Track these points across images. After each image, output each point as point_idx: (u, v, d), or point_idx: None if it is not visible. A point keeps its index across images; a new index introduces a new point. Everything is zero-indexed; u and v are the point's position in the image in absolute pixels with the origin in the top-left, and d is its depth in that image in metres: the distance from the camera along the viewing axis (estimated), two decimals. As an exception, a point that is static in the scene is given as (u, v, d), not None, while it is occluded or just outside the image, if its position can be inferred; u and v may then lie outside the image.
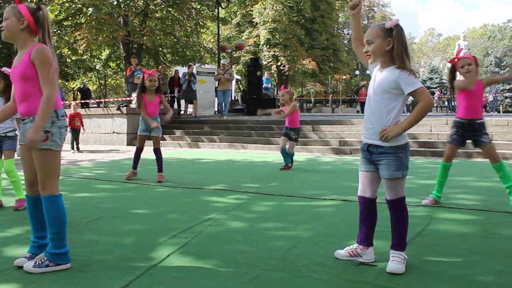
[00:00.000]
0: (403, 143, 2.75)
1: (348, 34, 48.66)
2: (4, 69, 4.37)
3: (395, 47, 2.65)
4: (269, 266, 2.81)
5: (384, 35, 2.68)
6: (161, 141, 12.92)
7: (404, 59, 2.65)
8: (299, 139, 11.30)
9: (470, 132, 4.52)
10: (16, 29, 2.74)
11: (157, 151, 6.58)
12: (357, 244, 2.93)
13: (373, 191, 2.93)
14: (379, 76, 2.76)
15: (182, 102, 17.17)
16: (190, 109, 17.37)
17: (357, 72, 43.99)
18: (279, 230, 3.71)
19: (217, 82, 15.80)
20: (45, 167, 2.78)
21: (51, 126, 2.77)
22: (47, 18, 2.84)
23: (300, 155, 10.12)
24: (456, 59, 4.58)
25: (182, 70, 17.96)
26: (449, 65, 4.84)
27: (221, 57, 18.79)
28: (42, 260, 2.72)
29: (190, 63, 17.87)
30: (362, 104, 24.01)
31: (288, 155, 7.72)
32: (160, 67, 19.77)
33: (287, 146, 7.70)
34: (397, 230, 2.82)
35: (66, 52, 22.32)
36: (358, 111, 29.23)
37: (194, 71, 17.26)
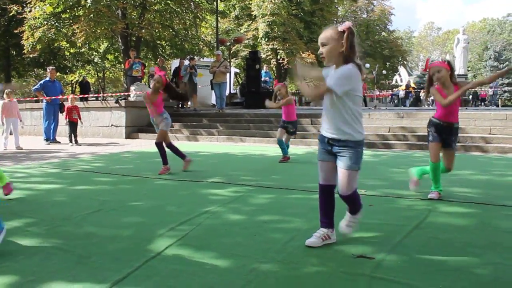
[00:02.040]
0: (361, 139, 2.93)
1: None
2: None
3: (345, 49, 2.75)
4: (267, 258, 2.81)
5: (338, 38, 2.78)
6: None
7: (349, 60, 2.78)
8: (298, 132, 11.31)
9: (445, 134, 4.52)
10: None
11: (157, 144, 6.50)
12: (327, 229, 3.08)
13: (335, 178, 3.04)
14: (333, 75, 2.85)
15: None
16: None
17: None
18: (277, 222, 3.72)
19: (212, 75, 15.64)
20: None
21: None
22: None
23: (299, 148, 10.13)
24: (427, 69, 4.56)
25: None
26: (448, 57, 4.82)
27: (220, 50, 18.71)
28: None
29: (192, 56, 17.77)
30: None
31: (286, 147, 7.75)
32: (158, 60, 19.74)
33: (284, 138, 7.75)
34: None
35: (64, 45, 22.23)
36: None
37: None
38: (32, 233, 3.44)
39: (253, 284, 2.43)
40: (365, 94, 24.85)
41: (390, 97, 35.76)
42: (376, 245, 3.05)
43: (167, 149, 6.54)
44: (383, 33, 49.77)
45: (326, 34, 2.83)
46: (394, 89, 40.87)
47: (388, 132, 11.12)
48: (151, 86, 6.53)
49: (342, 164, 2.91)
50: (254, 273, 2.58)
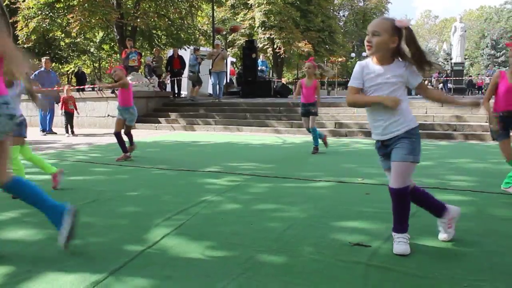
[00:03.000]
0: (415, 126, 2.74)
1: (344, 16, 48.39)
2: None
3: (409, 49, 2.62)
4: (263, 247, 2.82)
5: (392, 32, 2.60)
6: (156, 124, 12.91)
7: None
8: (295, 121, 11.31)
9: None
10: None
11: (116, 135, 6.89)
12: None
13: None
14: (383, 72, 2.69)
15: (185, 85, 16.99)
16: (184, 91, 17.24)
17: (353, 55, 43.85)
18: (274, 211, 3.72)
19: (211, 64, 15.51)
20: None
21: None
22: None
23: (296, 137, 10.12)
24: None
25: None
26: (445, 46, 4.71)
27: (217, 39, 18.63)
28: None
29: (197, 47, 17.67)
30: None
31: (316, 134, 7.47)
32: (154, 50, 19.63)
33: (310, 122, 7.47)
34: (399, 215, 2.74)
35: (59, 35, 22.08)
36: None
37: (189, 54, 17.10)
38: (28, 224, 3.43)
39: (250, 272, 2.43)
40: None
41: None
42: (372, 233, 3.05)
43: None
44: (380, 22, 49.47)
45: (380, 23, 2.63)
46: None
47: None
48: (116, 79, 6.88)
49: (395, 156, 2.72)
50: (251, 261, 2.58)
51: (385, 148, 2.80)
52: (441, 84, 27.59)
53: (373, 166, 5.94)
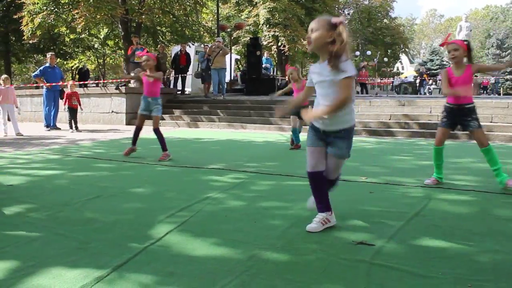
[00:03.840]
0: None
1: (349, 14, 48.23)
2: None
3: (336, 43, 2.80)
4: (267, 244, 2.82)
5: (329, 28, 2.83)
6: (160, 121, 12.91)
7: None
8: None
9: (459, 116, 4.52)
10: None
11: (156, 131, 6.56)
12: (326, 212, 3.12)
13: (323, 164, 3.14)
14: (319, 71, 2.97)
15: (189, 82, 16.91)
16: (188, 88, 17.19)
17: (357, 53, 43.69)
18: (277, 209, 3.72)
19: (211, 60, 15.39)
20: None
21: None
22: None
23: (300, 135, 10.08)
24: (445, 44, 4.52)
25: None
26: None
27: (220, 36, 18.60)
28: None
29: (206, 44, 17.64)
30: (362, 84, 23.87)
31: (296, 134, 7.72)
32: (158, 46, 19.62)
33: (298, 124, 7.65)
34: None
35: (64, 31, 22.08)
36: (358, 92, 29.12)
37: (193, 51, 17.05)
38: (32, 219, 3.44)
39: (253, 270, 2.43)
40: (366, 82, 24.75)
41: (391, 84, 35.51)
42: (376, 232, 3.05)
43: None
44: (384, 20, 49.36)
45: (318, 21, 2.89)
46: (396, 76, 40.55)
47: (390, 119, 11.09)
48: (143, 66, 6.53)
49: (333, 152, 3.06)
50: (254, 259, 2.58)
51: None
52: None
53: (377, 165, 5.93)
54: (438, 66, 46.17)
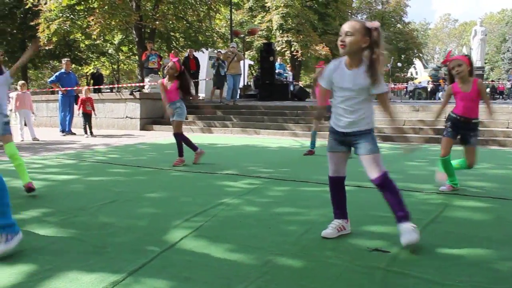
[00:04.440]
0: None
1: (362, 19, 48.14)
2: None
3: (374, 50, 2.78)
4: (282, 250, 2.81)
5: (364, 33, 2.78)
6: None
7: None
8: (312, 125, 11.26)
9: (464, 129, 4.51)
10: None
11: (176, 135, 6.57)
12: (342, 220, 3.12)
13: (344, 170, 3.11)
14: (350, 74, 2.89)
15: (202, 87, 16.90)
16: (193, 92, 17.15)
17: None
18: (292, 215, 3.72)
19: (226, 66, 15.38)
20: None
21: None
22: None
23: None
24: (447, 61, 4.51)
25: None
26: (464, 50, 4.75)
27: (234, 42, 18.66)
28: (3, 237, 2.76)
29: (219, 50, 17.69)
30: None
31: (314, 138, 7.69)
32: (172, 51, 19.75)
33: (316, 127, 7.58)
34: (396, 203, 2.91)
35: (79, 37, 22.35)
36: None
37: (206, 56, 17.08)
38: (49, 223, 3.48)
39: (268, 276, 2.43)
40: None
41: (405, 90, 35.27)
42: (391, 238, 3.03)
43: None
44: (398, 25, 49.18)
45: (354, 25, 2.81)
46: (410, 82, 40.21)
47: (404, 125, 11.02)
48: (165, 72, 6.56)
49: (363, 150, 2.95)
50: (269, 265, 2.58)
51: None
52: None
53: (391, 171, 5.88)
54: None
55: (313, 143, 7.72)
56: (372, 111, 2.96)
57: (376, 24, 2.80)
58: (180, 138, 6.60)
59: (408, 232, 2.79)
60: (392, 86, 32.28)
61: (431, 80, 30.70)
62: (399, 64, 45.31)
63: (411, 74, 51.71)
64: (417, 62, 52.82)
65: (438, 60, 53.84)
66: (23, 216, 3.66)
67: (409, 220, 2.86)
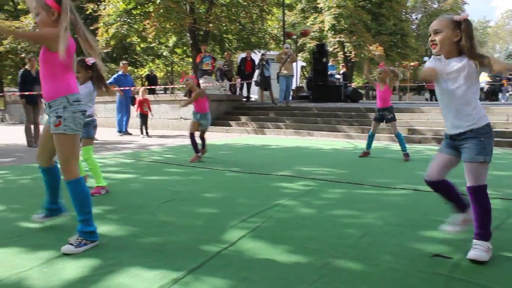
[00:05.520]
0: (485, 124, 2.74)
1: (416, 18, 46.96)
2: (88, 59, 4.41)
3: (463, 40, 2.67)
4: (340, 253, 2.78)
5: (453, 27, 2.70)
6: (227, 127, 13.12)
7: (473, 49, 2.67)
8: (366, 126, 11.09)
9: None
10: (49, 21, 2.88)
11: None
12: (466, 212, 2.96)
13: (441, 174, 3.01)
14: (450, 67, 2.75)
15: (255, 88, 17.04)
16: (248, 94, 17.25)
17: (425, 59, 42.26)
18: (349, 217, 3.67)
19: (279, 69, 15.32)
20: (61, 151, 2.92)
21: (62, 111, 2.86)
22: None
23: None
24: None
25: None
26: None
27: (287, 43, 18.63)
28: (79, 240, 2.88)
29: (263, 53, 17.79)
30: (431, 91, 23.11)
31: (371, 140, 7.62)
32: (225, 53, 20.00)
33: (392, 129, 7.46)
34: (479, 219, 2.73)
35: (135, 40, 23.02)
36: (427, 99, 28.18)
37: (258, 58, 17.11)
38: (110, 220, 3.61)
39: (327, 278, 2.41)
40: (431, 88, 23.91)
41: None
42: (452, 244, 2.94)
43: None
44: (456, 24, 47.56)
45: (441, 21, 2.75)
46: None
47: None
48: (188, 89, 7.56)
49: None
50: (327, 267, 2.56)
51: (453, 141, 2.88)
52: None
53: (450, 174, 5.71)
54: (514, 71, 43.77)
55: (369, 144, 7.59)
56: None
57: (464, 15, 2.72)
58: (193, 137, 7.15)
59: (481, 250, 2.64)
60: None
61: (490, 80, 29.40)
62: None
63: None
64: (475, 62, 50.91)
65: (499, 59, 51.53)
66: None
67: (488, 240, 2.71)
